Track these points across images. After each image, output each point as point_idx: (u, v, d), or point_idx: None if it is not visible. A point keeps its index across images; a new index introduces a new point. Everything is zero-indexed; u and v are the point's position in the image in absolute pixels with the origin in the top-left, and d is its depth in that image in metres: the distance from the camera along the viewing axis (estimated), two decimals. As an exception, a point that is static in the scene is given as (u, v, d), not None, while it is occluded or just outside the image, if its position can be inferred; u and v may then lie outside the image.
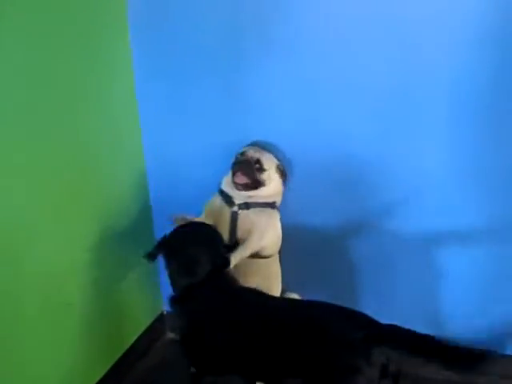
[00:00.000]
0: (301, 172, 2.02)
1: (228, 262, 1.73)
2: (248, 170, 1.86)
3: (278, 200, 1.94)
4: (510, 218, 1.91)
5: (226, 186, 1.92)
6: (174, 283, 1.74)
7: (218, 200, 1.92)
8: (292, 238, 1.97)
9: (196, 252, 1.73)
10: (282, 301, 1.80)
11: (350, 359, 1.41)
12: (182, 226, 1.82)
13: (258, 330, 1.55)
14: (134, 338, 2.21)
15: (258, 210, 1.87)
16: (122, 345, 2.13)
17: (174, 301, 1.74)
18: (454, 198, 1.94)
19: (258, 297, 1.67)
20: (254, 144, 1.98)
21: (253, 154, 1.90)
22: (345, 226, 2.06)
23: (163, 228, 2.18)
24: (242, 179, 1.86)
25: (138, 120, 2.13)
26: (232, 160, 1.91)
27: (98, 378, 1.97)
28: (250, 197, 1.87)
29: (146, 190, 2.22)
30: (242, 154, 1.91)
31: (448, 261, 2.00)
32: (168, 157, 2.17)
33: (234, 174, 1.87)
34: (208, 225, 1.84)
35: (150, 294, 2.32)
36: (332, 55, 1.88)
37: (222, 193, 1.92)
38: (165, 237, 1.78)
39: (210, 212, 1.93)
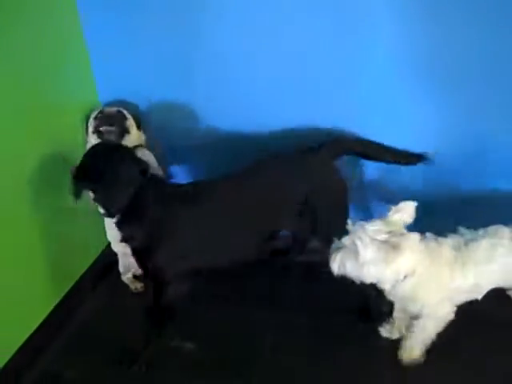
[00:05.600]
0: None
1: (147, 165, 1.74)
2: (113, 121, 1.99)
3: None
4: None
5: None
6: (113, 203, 1.67)
7: None
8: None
9: (124, 164, 1.66)
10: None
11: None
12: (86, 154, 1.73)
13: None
14: (87, 265, 2.21)
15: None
16: (73, 274, 2.13)
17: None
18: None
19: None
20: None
21: (110, 108, 2.03)
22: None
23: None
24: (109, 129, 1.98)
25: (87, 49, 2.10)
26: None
27: (50, 309, 1.97)
28: None
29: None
30: (101, 112, 2.02)
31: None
32: (120, 84, 2.16)
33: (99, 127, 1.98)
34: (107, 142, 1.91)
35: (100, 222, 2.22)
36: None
37: None
38: (78, 169, 1.67)
39: None
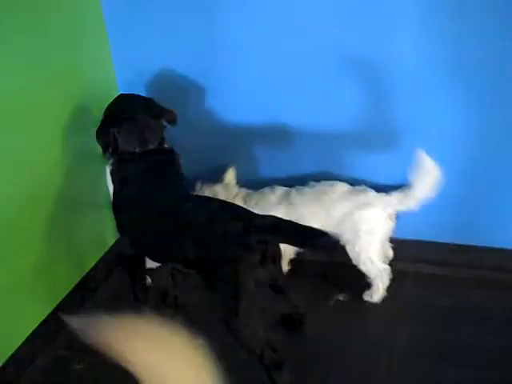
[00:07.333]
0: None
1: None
2: None
3: None
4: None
5: None
6: (117, 150, 1.76)
7: None
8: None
9: (150, 121, 1.78)
10: (188, 196, 1.78)
11: (229, 250, 1.51)
12: (120, 98, 1.84)
13: (159, 214, 1.66)
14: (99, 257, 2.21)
15: None
16: (83, 266, 2.13)
17: (112, 166, 1.80)
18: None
19: (175, 186, 1.75)
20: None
21: None
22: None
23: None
24: None
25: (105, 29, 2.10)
26: None
27: (61, 298, 1.97)
28: None
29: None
30: None
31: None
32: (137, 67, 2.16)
33: None
34: (151, 99, 1.86)
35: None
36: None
37: None
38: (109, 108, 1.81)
39: None
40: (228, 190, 2.08)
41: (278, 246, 1.61)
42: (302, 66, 1.99)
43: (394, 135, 2.02)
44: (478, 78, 1.86)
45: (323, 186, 2.01)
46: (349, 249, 1.97)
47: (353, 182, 2.04)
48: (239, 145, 2.18)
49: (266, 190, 2.06)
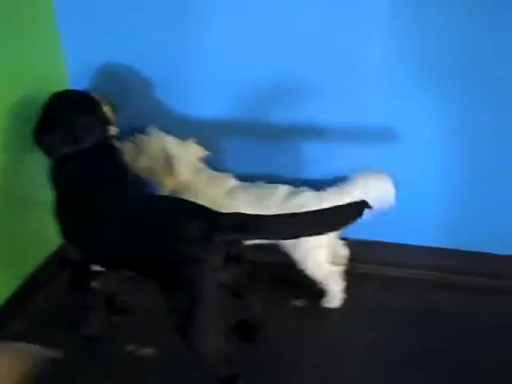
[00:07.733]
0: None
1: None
2: None
3: None
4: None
5: None
6: (53, 151, 1.68)
7: None
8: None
9: (82, 120, 1.68)
10: (140, 194, 1.73)
11: (190, 250, 1.39)
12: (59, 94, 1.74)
13: (107, 215, 1.55)
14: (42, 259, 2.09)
15: None
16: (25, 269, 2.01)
17: (50, 169, 1.69)
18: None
19: (124, 182, 1.67)
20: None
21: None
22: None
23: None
24: None
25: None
26: None
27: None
28: None
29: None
30: None
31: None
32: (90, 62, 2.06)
33: None
34: (88, 93, 1.76)
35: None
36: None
37: None
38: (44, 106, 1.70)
39: None
40: (185, 148, 1.95)
41: (243, 247, 1.52)
42: (276, 64, 1.95)
43: (374, 137, 1.99)
44: (455, 75, 1.85)
45: (265, 188, 1.94)
46: (292, 253, 1.90)
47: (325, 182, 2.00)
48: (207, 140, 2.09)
49: (221, 175, 1.99)
